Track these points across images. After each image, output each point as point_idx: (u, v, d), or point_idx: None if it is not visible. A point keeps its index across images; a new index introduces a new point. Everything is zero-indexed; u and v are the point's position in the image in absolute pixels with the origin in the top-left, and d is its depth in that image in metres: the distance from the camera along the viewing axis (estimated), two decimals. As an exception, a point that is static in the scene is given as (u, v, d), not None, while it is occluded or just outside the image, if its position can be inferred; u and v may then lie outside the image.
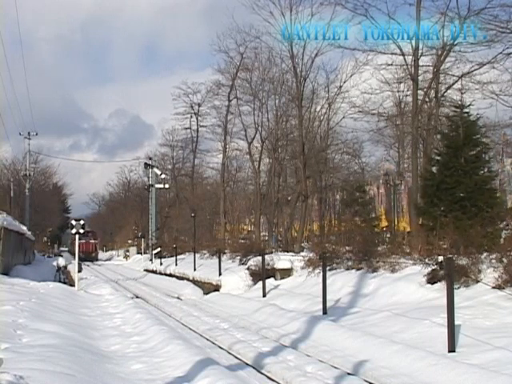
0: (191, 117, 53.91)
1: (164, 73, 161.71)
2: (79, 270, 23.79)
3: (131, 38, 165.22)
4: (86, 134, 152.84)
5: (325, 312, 13.63)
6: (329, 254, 17.76)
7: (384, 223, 34.69)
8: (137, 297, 22.29)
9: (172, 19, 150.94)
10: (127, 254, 64.99)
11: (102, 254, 78.97)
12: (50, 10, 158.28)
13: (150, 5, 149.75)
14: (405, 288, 13.99)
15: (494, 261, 12.47)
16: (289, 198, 39.52)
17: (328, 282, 14.28)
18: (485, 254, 13.14)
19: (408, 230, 30.21)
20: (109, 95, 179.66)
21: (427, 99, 24.21)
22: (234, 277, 22.85)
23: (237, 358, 10.12)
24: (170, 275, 32.64)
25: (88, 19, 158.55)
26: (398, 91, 31.84)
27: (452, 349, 8.93)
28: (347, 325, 11.77)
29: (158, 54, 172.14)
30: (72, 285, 22.65)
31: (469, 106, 19.46)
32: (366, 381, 8.11)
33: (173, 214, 59.80)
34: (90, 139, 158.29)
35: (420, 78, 23.40)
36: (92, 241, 69.88)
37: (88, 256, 64.17)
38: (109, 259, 72.93)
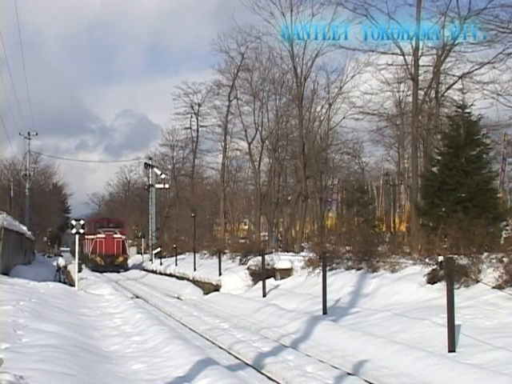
0: (191, 117, 54.06)
1: (171, 73, 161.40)
2: (79, 270, 23.79)
3: (137, 39, 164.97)
4: (93, 134, 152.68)
5: (325, 312, 13.62)
6: (329, 254, 17.73)
7: (384, 223, 34.71)
8: (137, 297, 22.30)
9: (178, 20, 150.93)
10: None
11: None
12: (57, 11, 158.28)
13: (156, 5, 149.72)
14: (405, 288, 13.99)
15: (494, 261, 12.46)
16: (289, 198, 39.57)
17: (328, 281, 14.27)
18: (485, 254, 13.13)
19: (408, 229, 30.21)
20: (116, 95, 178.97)
21: (427, 99, 24.22)
22: (234, 277, 22.83)
23: (237, 358, 10.13)
24: (170, 275, 32.62)
25: (94, 20, 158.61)
26: (399, 91, 31.96)
27: (452, 349, 8.93)
28: (347, 325, 11.76)
29: (164, 54, 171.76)
30: (72, 285, 22.64)
31: (470, 106, 19.48)
32: (366, 381, 8.11)
33: (173, 214, 59.78)
34: (97, 139, 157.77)
35: (420, 77, 23.41)
36: (117, 236, 43.11)
37: (112, 261, 41.57)
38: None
